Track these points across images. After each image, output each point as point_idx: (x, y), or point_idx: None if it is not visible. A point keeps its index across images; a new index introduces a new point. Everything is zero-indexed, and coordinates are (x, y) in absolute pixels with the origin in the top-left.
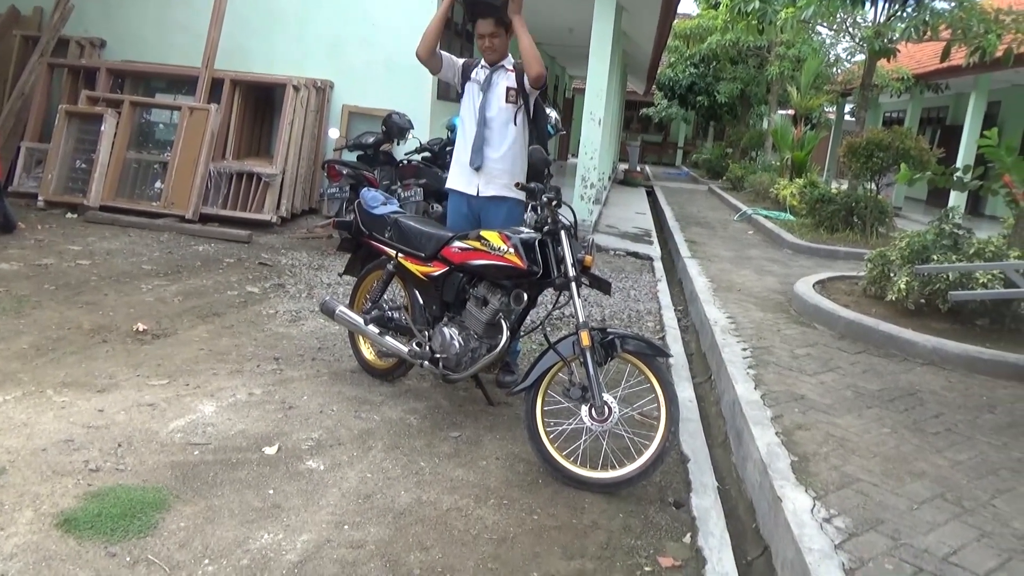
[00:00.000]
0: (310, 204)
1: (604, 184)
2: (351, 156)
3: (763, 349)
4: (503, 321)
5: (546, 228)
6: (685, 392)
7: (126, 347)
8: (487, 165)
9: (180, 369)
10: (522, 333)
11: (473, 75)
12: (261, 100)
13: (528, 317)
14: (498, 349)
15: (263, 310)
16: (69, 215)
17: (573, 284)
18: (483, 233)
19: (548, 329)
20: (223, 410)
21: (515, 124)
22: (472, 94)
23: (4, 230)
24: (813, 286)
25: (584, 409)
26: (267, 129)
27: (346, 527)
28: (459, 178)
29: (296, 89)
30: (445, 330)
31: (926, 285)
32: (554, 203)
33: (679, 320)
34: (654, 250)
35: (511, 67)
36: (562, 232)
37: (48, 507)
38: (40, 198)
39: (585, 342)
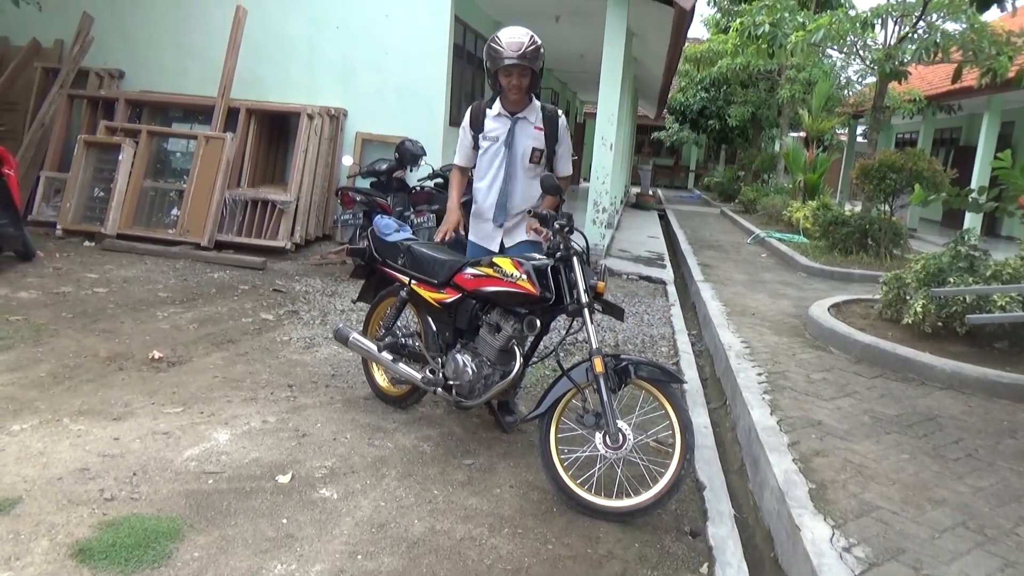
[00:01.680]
0: (324, 231)
1: (616, 208)
2: (364, 183)
3: (778, 374)
4: (516, 347)
5: (558, 254)
6: (700, 418)
7: (142, 375)
8: (510, 219)
9: (195, 397)
10: (535, 360)
11: (488, 129)
12: (276, 128)
13: (541, 343)
14: (511, 375)
15: (277, 337)
16: (87, 243)
17: (586, 310)
18: (496, 260)
19: (561, 355)
20: (237, 438)
21: (537, 178)
22: (492, 152)
23: (23, 258)
24: (828, 309)
25: (598, 436)
26: (282, 157)
27: (359, 557)
28: (482, 234)
29: (310, 117)
30: (458, 357)
31: (943, 308)
32: (566, 229)
33: (693, 345)
34: (667, 274)
35: (539, 123)
36: (574, 258)
37: (63, 537)
38: (58, 227)
39: (599, 369)
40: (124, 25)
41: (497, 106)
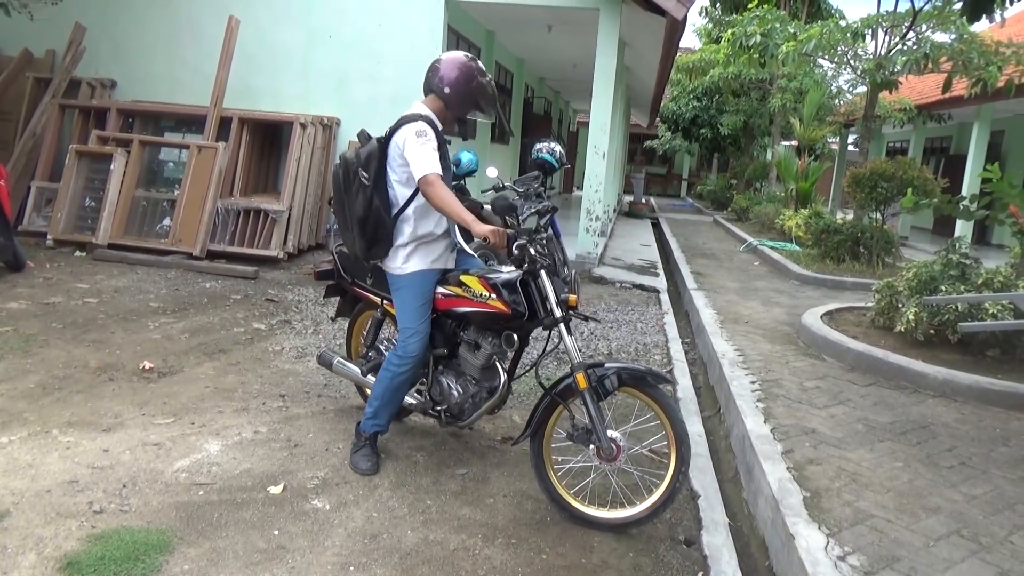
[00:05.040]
0: (317, 240)
1: (609, 216)
2: None
3: (772, 382)
4: (498, 364)
5: (525, 267)
6: (694, 426)
7: (132, 385)
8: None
9: (186, 407)
10: (521, 372)
11: (445, 147)
12: (268, 137)
13: (525, 353)
14: (497, 393)
15: (269, 347)
16: (78, 253)
17: (562, 325)
18: (463, 278)
19: (553, 363)
20: (228, 449)
21: None
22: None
23: (13, 269)
24: (821, 317)
25: (592, 449)
26: (274, 166)
27: (352, 568)
28: (433, 258)
29: (303, 126)
30: (442, 379)
31: (935, 316)
32: (529, 247)
33: (686, 353)
34: (660, 282)
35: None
36: (542, 272)
37: (51, 550)
38: (49, 237)
39: (582, 385)
40: (116, 35)
41: (438, 123)
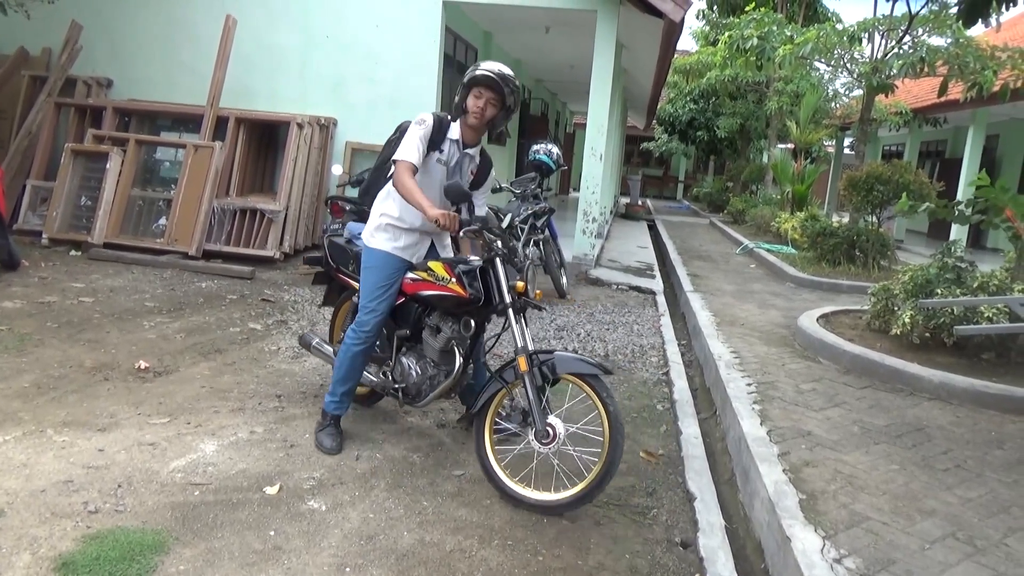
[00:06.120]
0: (313, 240)
1: (606, 218)
2: (354, 192)
3: (768, 384)
4: (456, 348)
5: (487, 256)
6: (690, 428)
7: (128, 385)
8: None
9: (181, 407)
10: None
11: (443, 150)
12: (265, 137)
13: (481, 341)
14: (452, 376)
15: (265, 347)
16: (73, 252)
17: (510, 310)
18: (431, 264)
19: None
20: (224, 449)
21: None
22: (433, 175)
23: (8, 268)
24: (817, 320)
25: (530, 433)
26: (271, 166)
27: (348, 569)
28: (409, 248)
29: (300, 126)
30: (403, 360)
31: (931, 319)
32: (484, 233)
33: (683, 355)
34: (657, 284)
35: (475, 167)
36: (496, 260)
37: (46, 550)
38: (44, 236)
39: (523, 368)
40: (113, 34)
41: (456, 131)
